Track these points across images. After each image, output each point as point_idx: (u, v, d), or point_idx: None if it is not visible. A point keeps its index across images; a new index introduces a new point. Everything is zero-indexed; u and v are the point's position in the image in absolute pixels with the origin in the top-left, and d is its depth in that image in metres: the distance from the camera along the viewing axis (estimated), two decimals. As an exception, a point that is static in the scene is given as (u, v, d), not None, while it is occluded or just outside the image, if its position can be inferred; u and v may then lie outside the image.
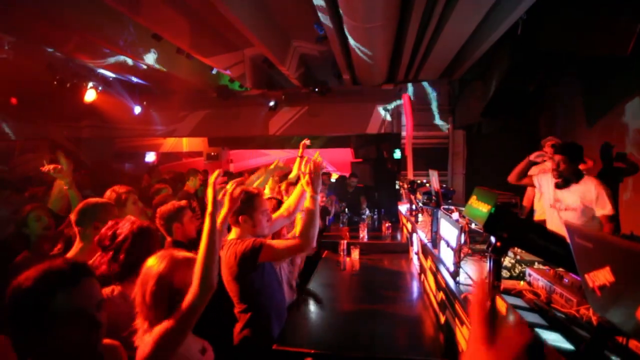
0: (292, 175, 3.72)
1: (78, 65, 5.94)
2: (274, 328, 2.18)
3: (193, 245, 2.46)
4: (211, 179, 1.67)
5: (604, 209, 3.05)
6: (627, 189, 3.84)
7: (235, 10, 3.91)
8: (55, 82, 6.03)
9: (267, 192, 3.24)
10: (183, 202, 2.73)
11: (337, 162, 10.33)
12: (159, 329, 1.31)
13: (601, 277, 0.87)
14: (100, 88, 6.83)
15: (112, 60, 5.79)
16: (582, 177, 3.20)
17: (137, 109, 7.92)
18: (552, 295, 1.64)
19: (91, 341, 1.09)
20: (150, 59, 5.41)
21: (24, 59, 5.51)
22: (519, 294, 1.71)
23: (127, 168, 10.50)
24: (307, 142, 3.42)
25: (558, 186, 3.25)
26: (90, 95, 6.62)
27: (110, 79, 7.01)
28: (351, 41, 4.38)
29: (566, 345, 1.01)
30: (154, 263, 1.46)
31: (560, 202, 3.29)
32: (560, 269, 1.74)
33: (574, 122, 5.14)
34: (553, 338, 1.03)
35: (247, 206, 2.17)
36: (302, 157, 3.37)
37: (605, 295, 0.87)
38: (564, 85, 5.18)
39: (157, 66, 5.56)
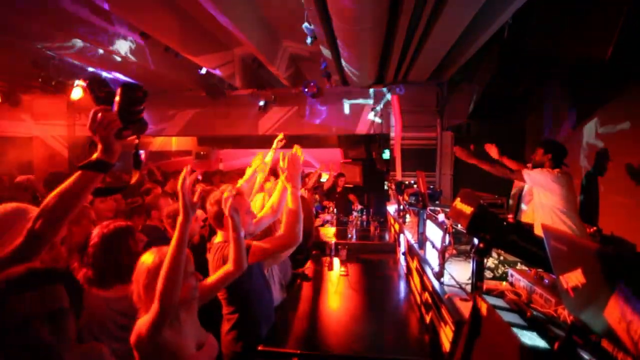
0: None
1: (64, 62, 5.84)
2: (262, 329, 2.19)
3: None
4: (179, 182, 1.54)
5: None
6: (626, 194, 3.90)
7: (225, 9, 3.90)
8: (40, 80, 5.93)
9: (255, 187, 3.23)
10: None
11: (327, 162, 10.36)
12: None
13: (574, 278, 0.90)
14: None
15: (98, 56, 5.72)
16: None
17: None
18: (532, 295, 1.69)
19: (46, 348, 1.07)
20: (137, 56, 5.36)
21: (6, 55, 5.41)
22: (500, 294, 1.76)
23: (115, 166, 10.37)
24: (281, 136, 3.33)
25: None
26: (76, 93, 6.52)
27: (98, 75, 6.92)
28: (340, 42, 4.40)
29: (542, 344, 1.04)
30: (145, 259, 1.52)
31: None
32: (541, 270, 1.79)
33: (560, 124, 5.24)
34: (529, 337, 1.06)
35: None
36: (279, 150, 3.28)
37: (577, 295, 0.90)
38: (550, 88, 5.27)
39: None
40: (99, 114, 1.16)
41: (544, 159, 3.44)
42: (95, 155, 1.19)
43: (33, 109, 8.18)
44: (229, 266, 1.84)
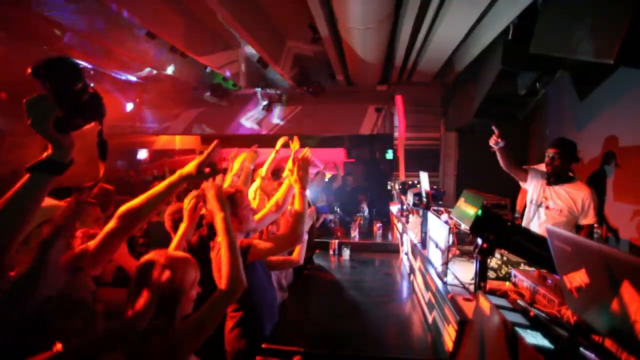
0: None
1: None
2: (265, 327, 2.20)
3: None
4: (208, 186, 1.69)
5: (587, 219, 3.06)
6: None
7: (230, 9, 3.92)
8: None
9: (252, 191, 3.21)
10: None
11: (330, 162, 10.35)
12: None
13: (578, 278, 0.90)
14: (92, 84, 6.75)
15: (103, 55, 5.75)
16: (574, 180, 3.16)
17: (130, 106, 7.87)
18: (535, 295, 1.69)
19: (94, 329, 1.13)
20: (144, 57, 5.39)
21: (15, 54, 5.45)
22: (504, 294, 1.76)
23: (118, 165, 10.44)
24: (286, 139, 3.31)
25: (549, 182, 3.23)
26: (82, 91, 6.56)
27: (103, 75, 6.96)
28: (344, 42, 4.41)
29: (545, 343, 1.04)
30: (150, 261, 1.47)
31: (547, 199, 3.25)
32: (544, 270, 1.79)
33: (564, 125, 5.23)
34: (533, 337, 1.07)
35: (230, 205, 2.18)
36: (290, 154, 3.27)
37: (581, 296, 0.91)
38: (554, 89, 5.25)
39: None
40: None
41: (565, 162, 3.13)
42: (45, 154, 1.00)
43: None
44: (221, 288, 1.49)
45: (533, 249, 1.56)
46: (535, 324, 1.17)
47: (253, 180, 3.35)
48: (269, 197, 3.04)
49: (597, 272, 0.83)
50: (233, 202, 2.17)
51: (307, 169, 2.23)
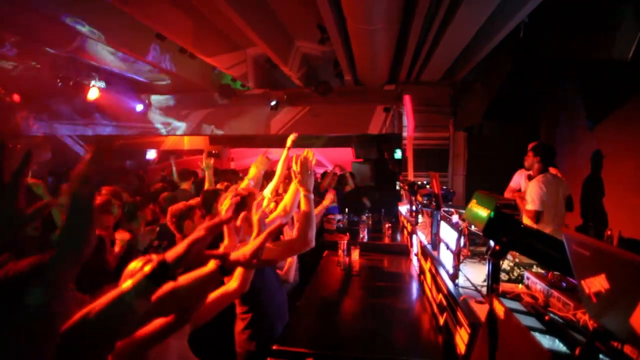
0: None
1: (81, 63, 5.97)
2: (276, 328, 2.21)
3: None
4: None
5: (526, 203, 3.52)
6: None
7: (239, 10, 3.93)
8: (58, 80, 6.06)
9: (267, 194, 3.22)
10: (193, 202, 2.84)
11: (338, 162, 10.34)
12: None
13: (597, 284, 0.89)
14: (103, 85, 6.85)
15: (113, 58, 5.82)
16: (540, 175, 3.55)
17: (139, 107, 7.95)
18: (549, 299, 1.67)
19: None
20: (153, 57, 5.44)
21: (28, 57, 5.54)
22: (516, 297, 1.74)
23: (128, 165, 10.56)
24: (294, 136, 3.36)
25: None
26: (93, 93, 6.65)
27: (113, 76, 7.04)
28: (353, 43, 4.39)
29: (562, 349, 1.03)
30: None
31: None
32: (558, 273, 1.76)
33: (575, 125, 5.16)
34: (548, 342, 1.05)
35: (242, 208, 2.18)
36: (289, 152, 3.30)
37: (600, 301, 0.89)
38: (565, 88, 5.19)
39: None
40: None
41: (534, 161, 3.58)
42: None
43: (51, 109, 8.37)
44: (232, 284, 1.63)
45: (547, 252, 1.54)
46: (551, 329, 1.16)
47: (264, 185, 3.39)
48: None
49: (618, 278, 0.81)
50: (245, 205, 2.17)
51: (308, 170, 2.18)
